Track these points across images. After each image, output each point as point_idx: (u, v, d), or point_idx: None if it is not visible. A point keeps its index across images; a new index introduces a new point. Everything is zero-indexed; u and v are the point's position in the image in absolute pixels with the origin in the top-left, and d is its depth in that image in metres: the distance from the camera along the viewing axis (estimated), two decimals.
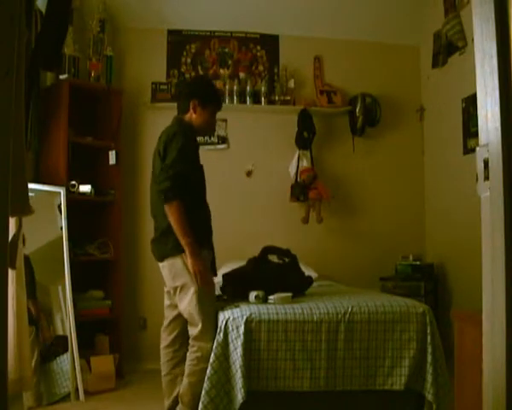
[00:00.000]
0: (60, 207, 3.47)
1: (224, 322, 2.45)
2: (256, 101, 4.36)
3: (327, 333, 2.48)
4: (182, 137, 2.58)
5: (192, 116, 2.72)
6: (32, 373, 2.93)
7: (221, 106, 2.87)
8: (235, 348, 2.39)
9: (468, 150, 3.83)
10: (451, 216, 4.13)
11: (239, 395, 2.32)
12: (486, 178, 1.22)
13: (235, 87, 4.33)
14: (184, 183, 2.51)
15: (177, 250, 2.53)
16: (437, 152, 4.42)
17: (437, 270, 4.24)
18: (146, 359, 4.06)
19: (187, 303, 2.56)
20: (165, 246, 2.59)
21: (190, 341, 2.59)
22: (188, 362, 2.57)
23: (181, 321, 2.70)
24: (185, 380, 2.56)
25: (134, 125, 4.32)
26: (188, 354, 2.59)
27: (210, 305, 2.60)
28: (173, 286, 2.62)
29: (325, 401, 2.50)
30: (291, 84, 4.43)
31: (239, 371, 2.34)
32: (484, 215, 1.25)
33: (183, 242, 2.49)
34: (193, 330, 2.57)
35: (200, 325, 2.52)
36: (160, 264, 2.66)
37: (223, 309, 2.58)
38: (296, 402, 2.49)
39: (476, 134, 1.48)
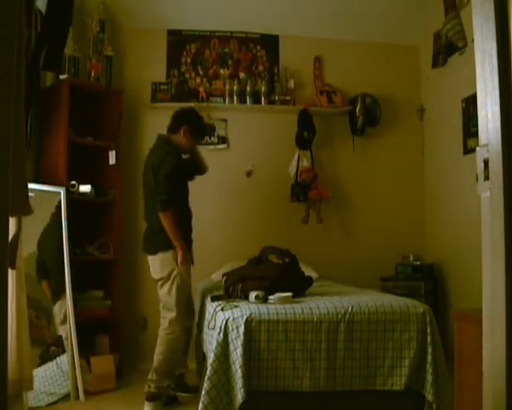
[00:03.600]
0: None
1: (224, 322, 2.45)
2: (256, 101, 4.36)
3: (327, 333, 2.48)
4: (174, 156, 3.14)
5: (180, 138, 3.25)
6: (31, 373, 2.93)
7: (203, 138, 3.60)
8: (235, 348, 2.39)
9: (468, 150, 3.83)
10: (451, 216, 4.13)
11: (239, 395, 2.32)
12: (486, 178, 1.22)
13: (235, 87, 4.33)
14: (174, 195, 3.09)
15: (169, 246, 3.09)
16: (437, 152, 4.42)
17: (437, 270, 4.24)
18: (146, 359, 4.06)
19: (166, 291, 3.11)
20: (157, 242, 3.14)
21: (166, 322, 3.12)
22: (164, 340, 3.11)
23: None
24: (161, 356, 3.09)
25: (134, 125, 4.32)
26: (163, 334, 3.12)
27: (185, 295, 3.16)
28: (160, 275, 3.13)
29: (325, 401, 2.50)
30: (291, 84, 4.43)
31: (239, 371, 2.34)
32: (484, 215, 1.25)
33: (176, 242, 3.08)
34: (169, 315, 3.11)
35: (175, 311, 3.09)
36: (152, 257, 3.18)
37: (223, 309, 2.58)
38: (296, 402, 2.48)
39: (476, 134, 1.48)
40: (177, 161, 3.16)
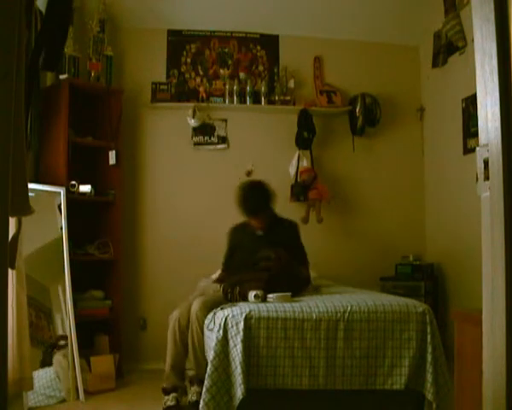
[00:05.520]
0: (60, 207, 3.47)
1: (224, 319, 2.46)
2: (256, 101, 4.35)
3: (326, 331, 2.48)
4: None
5: None
6: (31, 373, 2.93)
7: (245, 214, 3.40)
8: (235, 345, 2.40)
9: (468, 150, 3.83)
10: (451, 216, 4.13)
11: (239, 391, 2.32)
12: (486, 178, 1.22)
13: (235, 87, 4.33)
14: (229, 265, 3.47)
15: None
16: (437, 152, 4.42)
17: (437, 270, 4.24)
18: (146, 359, 4.06)
19: None
20: None
21: None
22: None
23: None
24: None
25: (134, 125, 4.32)
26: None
27: None
28: None
29: (324, 399, 2.51)
30: (291, 84, 4.42)
31: (238, 367, 2.35)
32: (484, 215, 1.25)
33: None
34: None
35: None
36: None
37: (222, 309, 2.59)
38: (295, 400, 2.49)
39: (476, 134, 1.48)
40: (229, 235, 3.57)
